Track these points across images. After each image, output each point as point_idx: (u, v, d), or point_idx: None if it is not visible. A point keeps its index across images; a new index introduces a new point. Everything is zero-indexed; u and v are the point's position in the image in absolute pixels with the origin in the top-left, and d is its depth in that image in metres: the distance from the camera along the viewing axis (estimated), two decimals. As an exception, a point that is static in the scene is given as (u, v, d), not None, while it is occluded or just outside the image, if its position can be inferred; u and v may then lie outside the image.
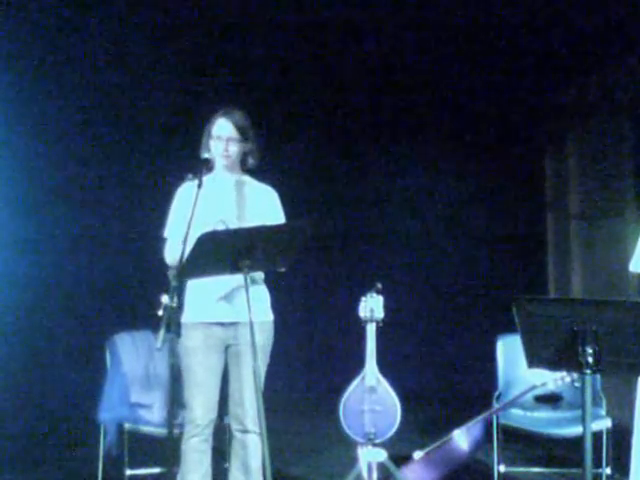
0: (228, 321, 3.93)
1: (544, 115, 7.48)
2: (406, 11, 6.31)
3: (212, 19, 6.49)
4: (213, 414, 3.94)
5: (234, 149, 3.94)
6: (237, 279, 3.82)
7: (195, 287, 3.85)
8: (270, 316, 4.03)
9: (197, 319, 3.90)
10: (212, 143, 3.95)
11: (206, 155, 3.93)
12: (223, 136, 3.92)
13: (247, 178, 4.07)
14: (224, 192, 3.93)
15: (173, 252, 3.94)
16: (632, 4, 5.63)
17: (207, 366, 3.92)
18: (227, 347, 3.97)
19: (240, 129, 3.93)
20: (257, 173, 4.30)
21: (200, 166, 3.80)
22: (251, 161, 4.02)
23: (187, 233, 3.55)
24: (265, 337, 3.97)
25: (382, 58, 7.02)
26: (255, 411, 3.85)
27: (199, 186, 3.69)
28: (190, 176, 3.78)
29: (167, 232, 4.01)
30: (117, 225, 6.48)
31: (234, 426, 3.96)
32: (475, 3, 6.16)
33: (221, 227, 3.83)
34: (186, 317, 3.81)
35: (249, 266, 3.59)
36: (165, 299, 3.50)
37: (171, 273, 3.79)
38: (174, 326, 3.50)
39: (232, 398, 3.97)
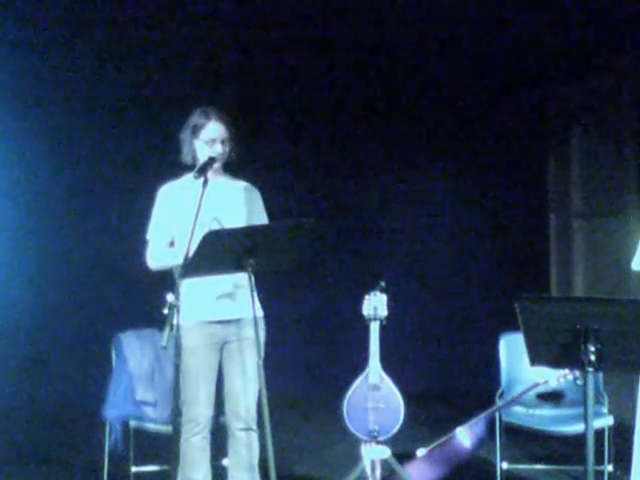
0: (228, 319, 3.95)
1: (547, 115, 7.49)
2: (408, 12, 6.32)
3: (208, 20, 6.50)
4: (212, 411, 3.97)
5: (227, 150, 3.96)
6: (233, 277, 3.85)
7: (191, 287, 3.80)
8: (262, 311, 4.02)
9: (196, 319, 3.90)
10: (201, 146, 3.93)
11: (189, 159, 3.96)
12: (218, 138, 3.92)
13: (229, 177, 4.08)
14: (213, 192, 3.89)
15: (155, 254, 3.96)
16: (637, 4, 5.64)
17: (207, 365, 3.95)
18: (224, 344, 3.98)
19: (230, 128, 3.96)
20: (261, 172, 4.33)
21: (205, 165, 3.83)
22: (233, 157, 4.02)
23: (192, 232, 3.58)
24: (264, 333, 3.99)
25: (384, 58, 7.04)
26: (255, 408, 3.90)
27: (204, 184, 3.72)
28: (195, 175, 3.80)
29: (150, 234, 4.02)
30: (123, 223, 6.49)
31: (235, 425, 3.97)
32: (478, 2, 6.18)
33: (215, 226, 3.84)
34: (184, 318, 3.70)
35: (253, 265, 3.62)
36: (171, 297, 3.53)
37: (177, 271, 3.82)
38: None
39: (232, 396, 3.97)
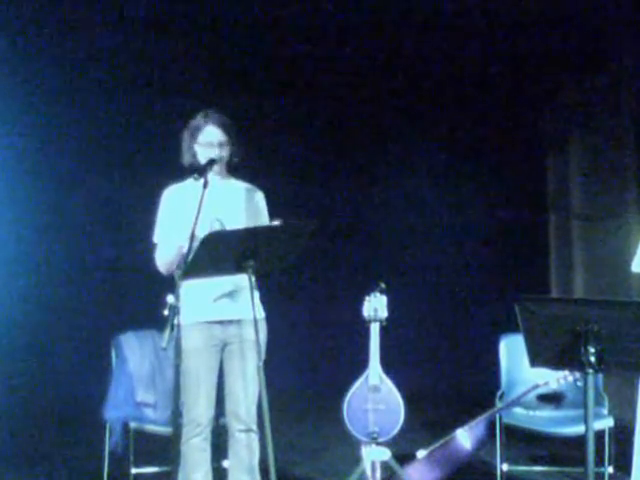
0: (228, 319, 3.95)
1: (546, 115, 7.49)
2: (408, 11, 6.32)
3: (205, 18, 6.49)
4: (212, 412, 3.97)
5: (225, 153, 3.97)
6: (235, 277, 3.84)
7: (192, 287, 3.82)
8: (263, 313, 4.04)
9: (196, 319, 3.91)
10: (199, 149, 3.96)
11: (190, 160, 3.98)
12: (214, 142, 3.94)
13: (234, 179, 4.11)
14: (216, 194, 3.91)
15: (164, 256, 3.97)
16: (634, 5, 5.65)
17: (208, 366, 3.95)
18: (224, 345, 3.99)
19: (228, 132, 3.97)
20: (260, 172, 4.33)
21: (205, 166, 3.84)
22: (235, 160, 4.04)
23: (193, 233, 3.59)
24: (264, 334, 3.99)
25: (384, 58, 7.03)
26: (255, 410, 3.89)
27: (204, 186, 3.72)
28: (196, 176, 3.81)
29: (157, 237, 4.02)
30: (123, 224, 6.50)
31: (235, 426, 3.97)
32: (478, 4, 6.18)
33: (217, 226, 3.86)
34: (185, 318, 3.71)
35: (253, 266, 3.62)
36: (171, 299, 3.53)
37: (177, 273, 3.82)
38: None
39: (232, 397, 3.97)
